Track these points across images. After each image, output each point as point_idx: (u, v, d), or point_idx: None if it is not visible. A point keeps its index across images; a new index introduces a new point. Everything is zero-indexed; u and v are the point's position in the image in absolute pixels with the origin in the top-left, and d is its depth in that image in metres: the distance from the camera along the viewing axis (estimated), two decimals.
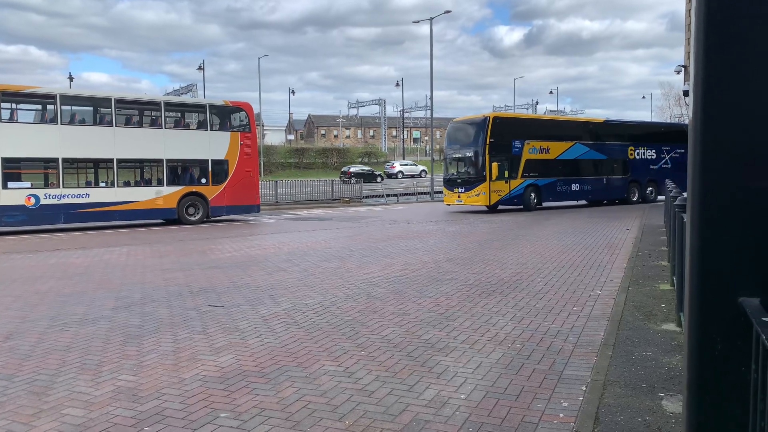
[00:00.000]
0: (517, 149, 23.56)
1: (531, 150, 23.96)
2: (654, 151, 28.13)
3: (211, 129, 21.12)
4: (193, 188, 20.70)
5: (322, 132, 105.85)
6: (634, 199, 27.35)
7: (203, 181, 20.92)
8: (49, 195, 17.92)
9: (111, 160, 19.08)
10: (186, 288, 8.77)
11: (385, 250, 12.57)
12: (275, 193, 30.19)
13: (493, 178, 22.69)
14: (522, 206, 23.89)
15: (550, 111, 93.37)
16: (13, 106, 18.07)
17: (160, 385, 4.67)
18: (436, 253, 12.14)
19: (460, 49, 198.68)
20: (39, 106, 18.84)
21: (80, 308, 7.49)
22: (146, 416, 4.08)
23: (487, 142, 22.76)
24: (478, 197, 23.08)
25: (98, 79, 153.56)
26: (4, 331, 6.40)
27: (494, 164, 22.64)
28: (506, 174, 23.07)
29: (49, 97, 18.42)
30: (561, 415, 4.01)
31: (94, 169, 19.37)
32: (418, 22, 39.96)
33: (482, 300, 7.59)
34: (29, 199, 17.56)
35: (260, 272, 10.10)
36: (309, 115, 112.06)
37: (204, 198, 20.80)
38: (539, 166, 24.20)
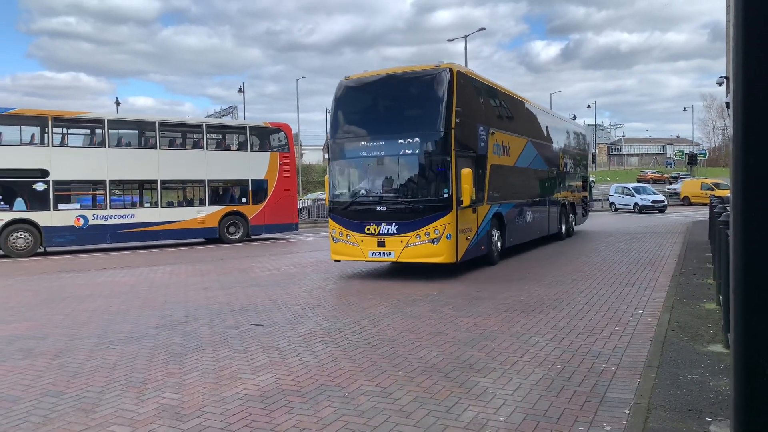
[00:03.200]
0: (482, 144, 12.34)
1: (495, 148, 13.06)
2: (573, 161, 20.52)
3: (251, 150, 21.57)
4: (234, 208, 21.12)
5: None
6: (563, 232, 18.60)
7: (243, 200, 21.33)
8: (97, 216, 18.55)
9: (155, 182, 19.66)
10: (227, 306, 8.93)
11: (426, 267, 12.55)
12: (313, 212, 30.52)
13: (466, 201, 10.83)
14: (485, 255, 12.50)
15: (588, 126, 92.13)
16: (64, 131, 18.82)
17: (202, 403, 4.76)
18: (470, 269, 12.06)
19: (496, 65, 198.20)
20: (88, 131, 19.57)
21: (126, 326, 7.71)
22: None
23: (452, 125, 10.82)
24: (432, 245, 10.82)
25: (144, 103, 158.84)
26: (54, 348, 6.63)
27: (466, 172, 10.79)
28: (474, 194, 11.24)
29: (97, 122, 19.13)
30: None
31: (139, 190, 19.97)
32: (453, 40, 40.09)
33: (521, 319, 7.50)
34: (78, 219, 18.21)
35: (299, 290, 10.21)
36: None
37: (244, 217, 21.20)
38: (501, 178, 13.40)
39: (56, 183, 17.80)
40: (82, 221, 18.25)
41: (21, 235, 17.40)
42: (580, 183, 21.24)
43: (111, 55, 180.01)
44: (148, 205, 19.80)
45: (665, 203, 35.39)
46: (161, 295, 10.20)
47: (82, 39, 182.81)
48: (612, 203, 37.76)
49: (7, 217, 17.17)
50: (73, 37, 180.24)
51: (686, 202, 40.95)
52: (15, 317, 8.51)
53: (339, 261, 12.33)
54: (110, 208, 18.80)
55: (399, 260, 11.09)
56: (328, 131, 11.23)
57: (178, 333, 7.27)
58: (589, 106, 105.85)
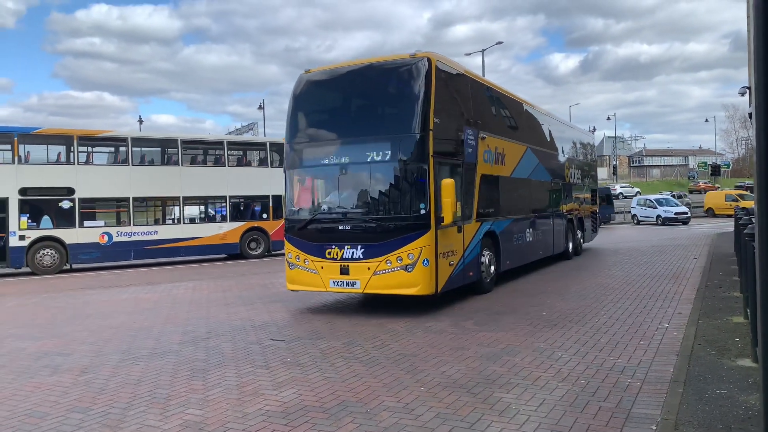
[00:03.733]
0: (470, 150, 10.43)
1: (487, 155, 11.20)
2: (580, 171, 18.71)
3: (272, 166, 21.77)
4: (255, 223, 21.31)
5: None
6: (571, 251, 16.87)
7: (264, 216, 21.51)
8: (121, 233, 18.85)
9: (178, 198, 19.93)
10: (249, 322, 8.98)
11: None
12: None
13: (448, 218, 8.92)
14: (474, 283, 10.55)
15: (608, 138, 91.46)
16: (89, 149, 19.21)
17: (225, 419, 4.78)
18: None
19: (514, 78, 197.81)
20: (112, 149, 19.94)
21: (149, 342, 7.79)
22: None
23: (430, 126, 9.02)
24: (406, 273, 8.88)
25: (166, 121, 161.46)
26: (80, 364, 6.72)
27: (447, 183, 8.91)
28: (459, 209, 9.68)
29: (121, 140, 19.49)
30: None
31: (162, 207, 20.26)
32: (470, 54, 40.26)
33: (543, 334, 7.43)
34: (103, 236, 18.51)
35: (319, 305, 10.23)
36: None
37: (265, 233, 21.37)
38: (494, 191, 11.59)
39: (81, 201, 18.15)
40: (106, 238, 18.55)
41: (47, 252, 17.73)
42: (588, 195, 19.57)
43: (134, 74, 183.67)
44: (170, 221, 20.06)
45: (689, 215, 34.90)
46: (184, 311, 10.29)
47: (105, 59, 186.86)
48: (634, 215, 37.34)
49: (35, 234, 17.52)
50: (97, 57, 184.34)
51: (710, 213, 40.30)
52: (42, 334, 8.65)
53: (297, 291, 10.22)
54: (133, 225, 19.09)
55: (365, 291, 9.01)
56: (285, 135, 10.18)
57: (201, 349, 7.33)
58: (609, 118, 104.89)
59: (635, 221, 36.86)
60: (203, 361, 6.68)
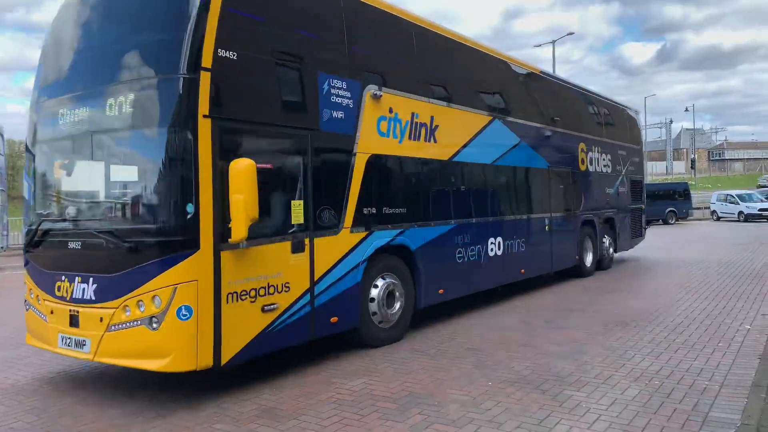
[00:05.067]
0: (339, 111, 6.47)
1: (387, 125, 7.19)
2: (609, 156, 13.83)
3: None
4: None
5: None
6: (588, 265, 12.44)
7: None
8: None
9: None
10: None
11: None
12: None
13: (238, 230, 4.99)
14: (345, 331, 6.57)
15: (686, 130, 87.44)
16: None
17: (298, 406, 4.97)
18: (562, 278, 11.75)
19: (586, 69, 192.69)
20: None
21: None
22: None
23: (203, 63, 5.06)
24: (149, 332, 4.89)
25: None
26: None
27: (239, 168, 5.03)
28: (301, 212, 5.93)
29: None
30: None
31: None
32: (540, 45, 39.46)
33: (616, 333, 7.26)
34: None
35: None
36: None
37: None
38: (407, 183, 7.69)
39: None
40: None
41: None
42: (624, 189, 14.59)
43: None
44: None
45: None
46: None
47: None
48: (714, 212, 35.61)
49: None
50: None
51: None
52: None
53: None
54: None
55: (96, 359, 5.29)
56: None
57: None
58: (687, 110, 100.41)
59: (715, 217, 35.12)
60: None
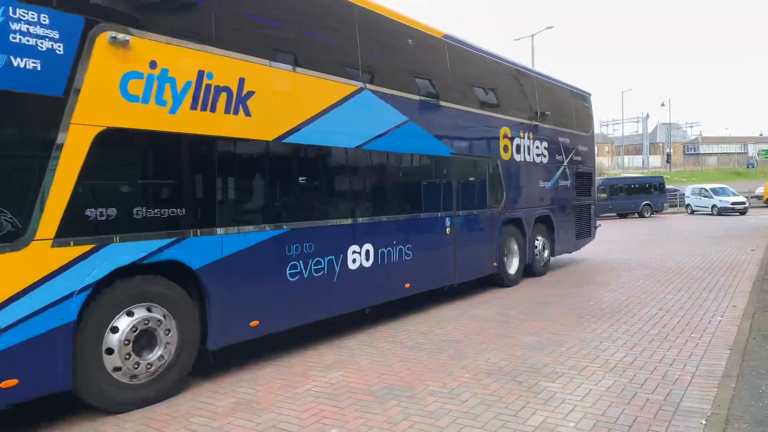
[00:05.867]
0: (49, 50, 4.27)
1: (131, 81, 4.81)
2: (546, 144, 11.92)
3: None
4: None
5: None
6: (511, 272, 10.61)
7: None
8: None
9: None
10: None
11: None
12: None
13: None
14: (52, 391, 4.36)
15: (663, 124, 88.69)
16: None
17: (276, 399, 4.96)
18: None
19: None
20: None
21: None
22: (264, 428, 4.35)
23: None
24: None
25: None
26: None
27: None
28: None
29: None
30: None
31: None
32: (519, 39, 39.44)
33: (590, 325, 7.35)
34: None
35: None
36: None
37: None
38: (189, 170, 5.35)
39: None
40: None
41: None
42: (567, 183, 12.73)
43: None
44: None
45: (746, 205, 33.59)
46: None
47: None
48: (688, 205, 36.22)
49: None
50: None
51: None
52: None
53: None
54: None
55: None
56: None
57: None
58: (663, 104, 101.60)
59: (689, 211, 35.72)
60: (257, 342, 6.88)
